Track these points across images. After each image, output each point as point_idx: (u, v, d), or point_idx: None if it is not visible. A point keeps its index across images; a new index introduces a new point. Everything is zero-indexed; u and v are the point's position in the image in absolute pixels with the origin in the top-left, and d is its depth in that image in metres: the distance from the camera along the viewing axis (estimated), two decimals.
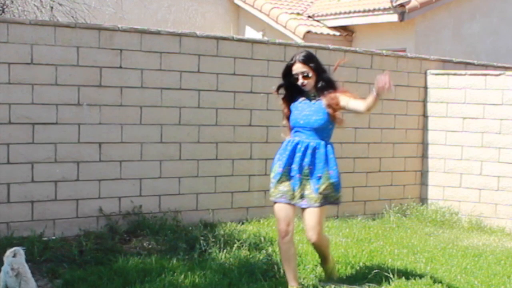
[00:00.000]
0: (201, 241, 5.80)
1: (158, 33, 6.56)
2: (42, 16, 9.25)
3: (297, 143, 4.74)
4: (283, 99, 4.89)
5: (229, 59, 6.95)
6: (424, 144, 8.69)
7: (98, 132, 6.22)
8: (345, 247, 6.11)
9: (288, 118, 4.86)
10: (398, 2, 12.10)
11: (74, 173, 6.12)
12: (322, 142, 4.73)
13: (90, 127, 6.18)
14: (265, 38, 9.79)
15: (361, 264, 5.64)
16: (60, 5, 9.65)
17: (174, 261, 5.33)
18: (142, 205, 6.45)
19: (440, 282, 5.28)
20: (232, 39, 7.09)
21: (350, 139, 7.96)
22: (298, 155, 4.69)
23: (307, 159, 4.68)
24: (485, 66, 9.09)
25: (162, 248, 5.79)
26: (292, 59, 4.80)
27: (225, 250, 5.65)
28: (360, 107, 4.65)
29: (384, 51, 8.42)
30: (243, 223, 6.93)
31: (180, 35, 6.68)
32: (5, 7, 9.19)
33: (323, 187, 4.69)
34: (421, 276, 5.39)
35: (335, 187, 4.75)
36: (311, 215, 4.71)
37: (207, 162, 6.88)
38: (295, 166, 4.70)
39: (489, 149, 8.25)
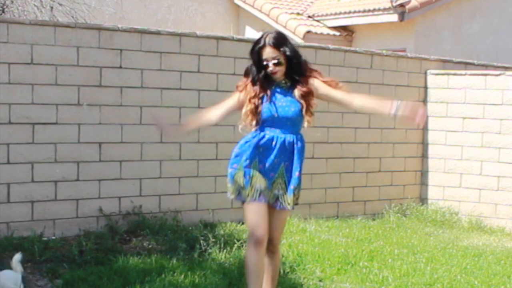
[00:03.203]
0: (201, 241, 5.80)
1: (158, 33, 6.56)
2: (42, 16, 9.25)
3: (270, 139, 4.12)
4: (261, 86, 4.16)
5: (229, 59, 6.95)
6: (424, 144, 8.69)
7: (98, 132, 6.22)
8: (345, 247, 6.11)
9: (256, 109, 4.13)
10: (398, 2, 12.09)
11: (74, 173, 6.12)
12: (298, 136, 4.17)
13: (90, 127, 6.18)
14: None
15: (361, 264, 5.65)
16: (60, 5, 9.66)
17: (174, 261, 5.33)
18: (142, 205, 6.45)
19: (440, 282, 5.29)
20: (232, 39, 7.08)
21: (350, 139, 7.95)
22: (274, 152, 4.10)
23: (283, 156, 4.12)
24: (485, 66, 9.09)
25: (162, 248, 5.78)
26: (260, 42, 4.11)
27: (225, 250, 5.65)
28: (355, 103, 4.16)
29: (384, 51, 8.42)
30: (243, 223, 6.92)
31: (180, 35, 6.68)
32: (5, 7, 9.19)
33: (296, 188, 4.17)
34: (421, 276, 5.39)
35: (300, 187, 4.21)
36: (283, 217, 4.23)
37: (207, 162, 6.88)
38: (268, 165, 4.11)
39: (489, 149, 8.25)
